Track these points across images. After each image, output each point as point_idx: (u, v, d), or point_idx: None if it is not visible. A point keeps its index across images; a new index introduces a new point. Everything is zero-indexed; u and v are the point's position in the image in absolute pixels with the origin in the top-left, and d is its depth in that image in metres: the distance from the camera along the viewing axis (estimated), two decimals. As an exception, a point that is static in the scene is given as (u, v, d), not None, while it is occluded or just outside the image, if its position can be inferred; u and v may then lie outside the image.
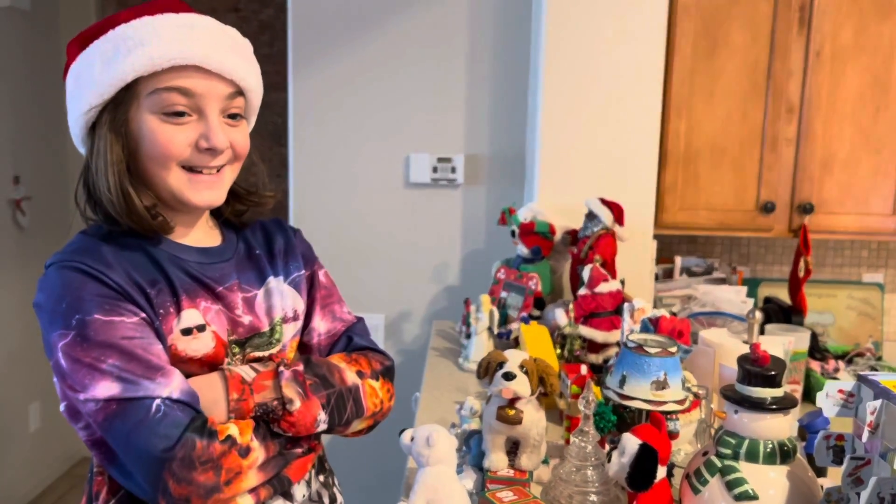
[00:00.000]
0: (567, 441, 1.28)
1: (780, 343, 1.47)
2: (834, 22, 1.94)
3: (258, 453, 0.90)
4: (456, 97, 2.29)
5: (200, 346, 0.93)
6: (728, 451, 0.95)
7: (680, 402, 1.10)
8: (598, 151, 2.01)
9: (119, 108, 0.91)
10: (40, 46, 3.18)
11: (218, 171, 0.96)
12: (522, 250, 1.95)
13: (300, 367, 0.96)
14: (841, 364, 1.91)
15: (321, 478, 1.06)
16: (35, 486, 3.22)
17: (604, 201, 1.82)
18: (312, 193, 2.35)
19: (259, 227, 1.11)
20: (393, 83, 2.29)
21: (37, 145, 3.18)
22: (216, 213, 1.08)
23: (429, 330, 2.34)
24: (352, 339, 1.09)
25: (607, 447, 1.11)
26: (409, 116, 2.30)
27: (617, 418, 1.24)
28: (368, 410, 1.01)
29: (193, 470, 0.83)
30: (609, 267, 1.75)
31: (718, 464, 0.95)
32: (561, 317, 1.65)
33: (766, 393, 0.94)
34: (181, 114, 0.91)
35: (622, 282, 1.76)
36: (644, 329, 1.33)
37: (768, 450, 0.94)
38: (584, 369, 1.31)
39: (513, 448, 1.15)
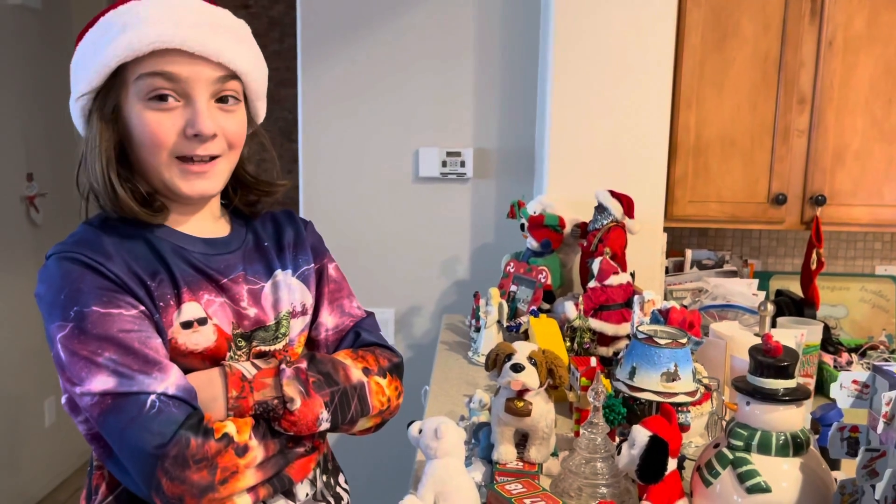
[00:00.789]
0: (577, 433, 1.27)
1: (792, 336, 1.46)
2: (846, 11, 1.92)
3: (256, 452, 0.88)
4: (465, 91, 2.29)
5: (201, 339, 0.91)
6: (740, 443, 0.94)
7: (690, 394, 1.09)
8: (608, 144, 2.00)
9: (108, 95, 0.90)
10: (52, 44, 3.19)
11: (211, 160, 0.93)
12: (532, 243, 1.95)
13: (303, 365, 0.94)
14: (854, 357, 1.90)
15: (325, 477, 1.04)
16: (50, 480, 3.25)
17: (613, 193, 1.81)
18: (322, 188, 2.36)
19: (269, 218, 1.09)
20: (402, 77, 2.29)
21: (50, 142, 3.20)
22: (226, 203, 1.06)
23: (439, 324, 2.34)
24: (360, 335, 1.07)
25: (617, 440, 1.11)
26: (418, 111, 2.30)
27: (627, 411, 1.23)
28: (374, 409, 0.99)
29: (187, 468, 0.81)
30: (619, 259, 1.74)
31: (730, 456, 0.94)
32: (571, 309, 1.65)
33: (779, 384, 0.93)
34: (165, 98, 0.88)
35: (632, 274, 1.75)
36: (654, 321, 1.33)
37: (781, 442, 0.93)
38: (593, 361, 1.30)
39: (521, 440, 1.14)
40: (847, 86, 1.94)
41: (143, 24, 0.87)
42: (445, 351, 1.87)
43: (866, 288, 2.32)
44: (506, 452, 1.12)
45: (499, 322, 1.76)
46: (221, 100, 0.93)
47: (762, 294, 1.95)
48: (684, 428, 1.16)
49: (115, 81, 0.89)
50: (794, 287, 2.19)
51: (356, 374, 0.98)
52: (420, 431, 1.04)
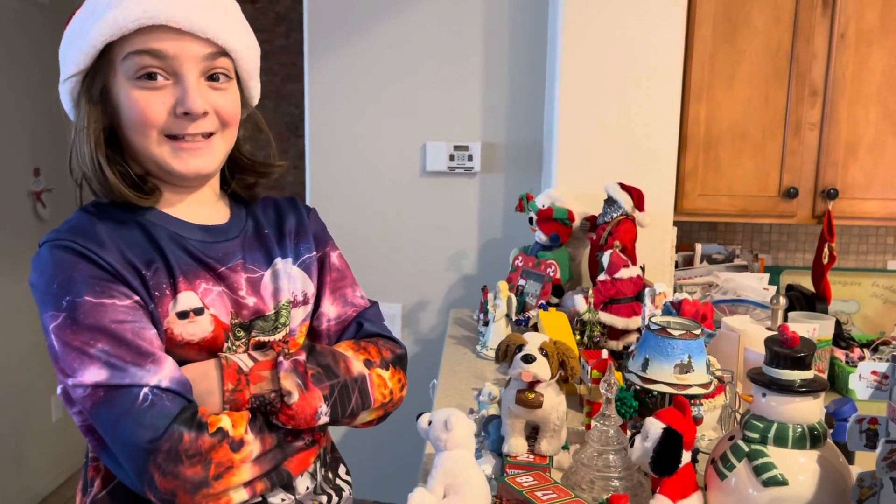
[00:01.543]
0: (588, 426, 1.26)
1: (805, 330, 1.44)
2: (858, 3, 1.89)
3: (253, 447, 0.85)
4: (472, 85, 2.27)
5: (198, 329, 0.89)
6: (756, 436, 0.92)
7: (704, 386, 1.08)
8: (617, 137, 1.98)
9: (96, 76, 0.88)
10: (59, 40, 3.18)
11: (205, 138, 0.90)
12: (540, 237, 1.93)
13: (302, 357, 0.91)
14: (866, 353, 1.87)
15: (324, 470, 1.02)
16: (57, 476, 3.25)
17: (623, 186, 1.79)
18: (329, 183, 2.35)
19: (272, 204, 1.07)
20: (409, 72, 2.27)
21: (56, 138, 3.19)
22: (224, 188, 1.04)
23: (446, 319, 2.33)
24: (362, 326, 1.04)
25: (629, 433, 1.09)
26: (426, 105, 2.29)
27: (638, 403, 1.22)
28: (376, 401, 0.96)
29: (180, 463, 0.79)
30: (629, 253, 1.73)
31: (746, 448, 0.92)
32: (580, 303, 1.63)
33: (795, 375, 0.91)
34: (153, 76, 0.86)
35: (642, 268, 1.73)
36: (667, 313, 1.31)
37: (797, 434, 0.91)
38: (605, 353, 1.29)
39: (532, 433, 1.13)
40: (859, 78, 1.92)
41: (129, 1, 0.85)
42: (453, 345, 1.86)
43: (878, 283, 2.30)
44: (516, 445, 1.10)
45: (507, 316, 1.75)
46: (212, 78, 0.90)
47: (773, 289, 1.93)
48: (697, 421, 1.14)
49: (103, 62, 0.87)
50: (805, 282, 2.16)
51: (357, 366, 0.96)
52: (430, 423, 1.02)
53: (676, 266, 2.14)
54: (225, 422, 0.84)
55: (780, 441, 0.91)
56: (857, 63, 1.91)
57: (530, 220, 1.96)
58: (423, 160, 2.31)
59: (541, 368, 1.05)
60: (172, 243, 0.91)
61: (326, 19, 2.27)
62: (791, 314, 1.72)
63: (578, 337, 1.60)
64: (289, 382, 0.88)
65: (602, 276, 1.64)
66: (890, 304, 2.29)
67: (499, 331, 1.73)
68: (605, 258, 1.64)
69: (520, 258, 1.95)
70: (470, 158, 2.29)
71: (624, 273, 1.60)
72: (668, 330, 1.08)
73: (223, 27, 0.90)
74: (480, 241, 2.36)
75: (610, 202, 1.81)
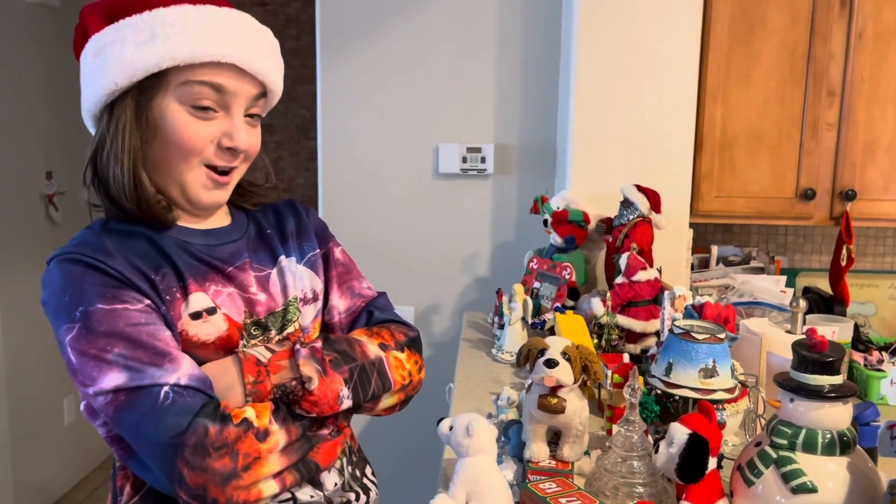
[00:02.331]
0: (609, 431, 1.24)
1: (824, 333, 1.42)
2: (876, 2, 1.88)
3: (278, 436, 0.86)
4: (485, 86, 2.26)
5: (212, 329, 0.90)
6: (784, 442, 0.91)
7: (729, 391, 1.06)
8: (632, 138, 1.97)
9: (145, 93, 0.88)
10: (70, 42, 3.19)
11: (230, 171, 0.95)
12: (556, 239, 1.92)
13: (318, 345, 0.93)
14: (885, 356, 1.86)
15: (351, 468, 1.03)
16: (70, 478, 3.25)
17: (639, 188, 1.78)
18: (341, 185, 2.34)
19: (270, 208, 1.09)
20: (421, 73, 2.26)
21: (68, 141, 3.21)
22: None
23: (459, 322, 2.32)
24: (372, 314, 1.06)
25: (650, 438, 1.08)
26: (438, 107, 2.28)
27: (660, 408, 1.21)
28: (396, 383, 0.98)
29: (207, 457, 0.80)
30: (646, 255, 1.71)
31: (773, 455, 0.91)
32: (597, 306, 1.62)
33: (824, 380, 0.90)
34: (208, 108, 0.89)
35: (659, 270, 1.72)
36: (688, 316, 1.30)
37: (826, 440, 0.90)
38: (626, 357, 1.27)
39: (554, 438, 1.12)
40: (877, 78, 1.90)
41: (205, 33, 0.87)
42: (468, 348, 1.85)
43: (896, 285, 2.27)
44: (538, 450, 1.09)
45: (523, 319, 1.74)
46: (250, 115, 0.94)
47: (790, 291, 1.91)
48: (721, 426, 1.13)
49: (154, 81, 0.88)
50: (822, 284, 2.15)
51: (373, 349, 0.97)
52: (451, 428, 1.01)
53: (692, 268, 2.13)
54: (249, 412, 0.85)
55: (809, 447, 0.90)
56: (875, 63, 1.90)
57: (545, 222, 1.94)
58: (435, 162, 2.31)
59: (564, 373, 1.04)
60: (179, 249, 0.92)
61: (339, 21, 2.26)
62: (809, 317, 1.70)
63: (596, 340, 1.59)
64: (308, 369, 0.89)
65: (619, 279, 1.63)
66: (908, 307, 2.26)
67: (514, 334, 1.72)
68: (623, 261, 1.63)
69: (534, 260, 1.94)
70: (483, 160, 2.28)
71: (641, 275, 1.59)
72: (692, 334, 1.07)
73: (276, 72, 0.96)
74: (493, 244, 2.35)
75: (626, 204, 1.79)
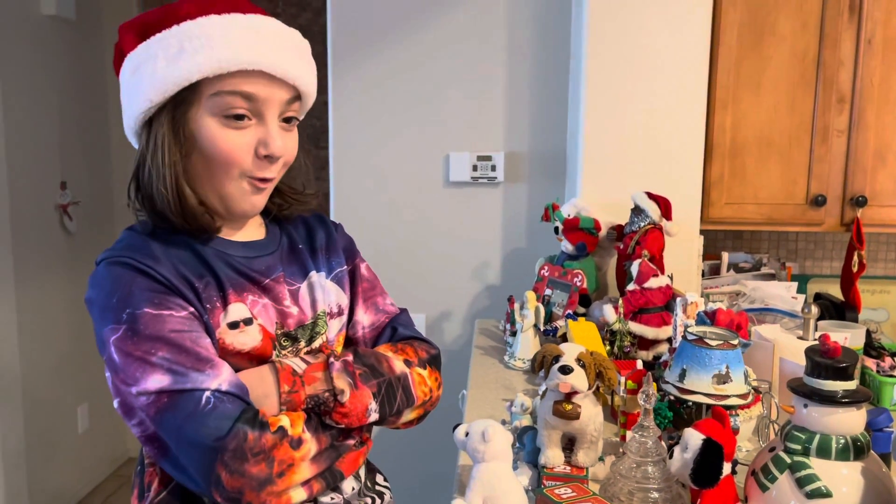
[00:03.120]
0: (623, 437, 1.25)
1: (836, 340, 1.43)
2: (886, 9, 1.88)
3: (310, 445, 0.89)
4: (495, 95, 2.28)
5: (248, 339, 0.93)
6: (798, 447, 0.92)
7: (742, 397, 1.07)
8: (642, 146, 1.98)
9: (179, 107, 0.89)
10: (85, 54, 3.24)
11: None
12: (567, 246, 1.93)
13: (350, 358, 0.95)
14: (898, 361, 1.85)
15: (365, 474, 1.06)
16: (83, 486, 3.27)
17: (650, 195, 1.79)
18: (353, 194, 2.36)
19: (301, 221, 1.10)
20: (432, 82, 2.28)
21: (83, 151, 3.24)
22: None
23: (471, 329, 2.33)
24: (396, 330, 1.09)
25: (664, 444, 1.09)
26: (449, 115, 2.30)
27: (673, 414, 1.21)
28: (419, 399, 1.00)
29: (246, 462, 0.82)
30: (657, 262, 1.72)
31: (788, 460, 0.92)
32: (610, 313, 1.63)
33: (838, 386, 0.91)
34: (241, 117, 0.90)
35: (670, 277, 1.72)
36: (700, 322, 1.30)
37: (840, 445, 0.90)
38: (639, 364, 1.28)
39: (568, 444, 1.13)
40: (887, 84, 1.91)
41: (230, 42, 0.87)
42: (481, 356, 1.86)
43: (908, 291, 2.27)
44: (553, 456, 1.10)
45: (535, 326, 1.75)
46: (285, 119, 0.95)
47: (801, 297, 1.92)
48: (734, 432, 1.13)
49: (187, 93, 0.89)
50: (833, 290, 2.14)
51: (399, 365, 1.00)
52: (467, 434, 1.02)
53: (703, 275, 2.13)
54: (284, 421, 0.87)
55: (823, 452, 0.91)
56: (885, 69, 1.90)
57: (556, 229, 1.96)
58: (446, 170, 2.32)
59: (578, 379, 1.05)
60: (219, 260, 0.95)
61: (350, 32, 2.28)
62: (821, 323, 1.70)
63: (608, 347, 1.60)
64: (341, 381, 0.92)
65: (631, 286, 1.64)
66: (920, 312, 2.26)
67: (527, 341, 1.73)
68: (634, 268, 1.64)
69: (546, 268, 1.95)
70: (493, 168, 2.30)
71: (653, 282, 1.60)
72: (706, 340, 1.08)
73: (308, 74, 0.95)
74: (504, 251, 2.36)
75: (637, 211, 1.80)
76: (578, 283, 1.83)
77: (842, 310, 1.99)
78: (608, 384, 1.07)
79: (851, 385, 0.91)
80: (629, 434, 1.06)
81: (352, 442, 0.97)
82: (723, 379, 1.06)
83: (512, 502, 0.98)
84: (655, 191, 1.84)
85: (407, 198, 2.35)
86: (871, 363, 1.80)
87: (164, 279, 0.88)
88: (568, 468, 1.10)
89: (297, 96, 0.95)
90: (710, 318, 1.26)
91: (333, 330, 1.04)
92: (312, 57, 0.99)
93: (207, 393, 0.84)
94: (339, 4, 2.27)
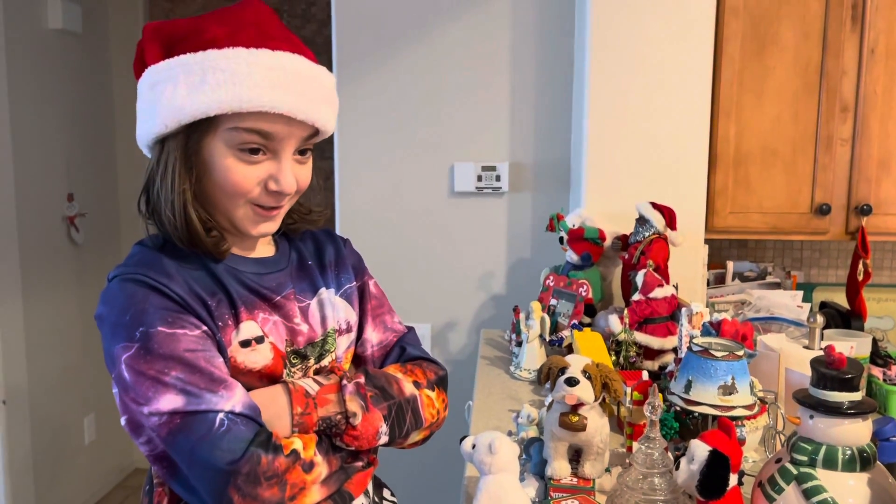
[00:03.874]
0: (629, 448, 1.25)
1: (843, 348, 1.43)
2: (888, 18, 1.89)
3: (321, 468, 0.89)
4: (499, 105, 2.29)
5: (259, 357, 0.92)
6: (804, 458, 0.92)
7: (748, 408, 1.07)
8: (646, 155, 1.99)
9: (194, 135, 0.89)
10: (92, 68, 3.27)
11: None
12: (572, 257, 1.93)
13: (361, 380, 0.95)
14: (904, 370, 1.85)
15: (372, 490, 1.05)
16: (90, 497, 3.28)
17: (655, 205, 1.80)
18: (358, 205, 2.37)
19: (309, 236, 1.10)
20: (436, 93, 2.30)
21: (89, 163, 3.26)
22: None
23: (476, 339, 2.33)
24: (405, 350, 1.08)
25: (670, 455, 1.09)
26: (453, 126, 2.31)
27: (679, 425, 1.21)
28: (426, 421, 1.00)
29: (258, 486, 0.82)
30: (662, 272, 1.72)
31: (794, 471, 0.92)
32: (615, 323, 1.63)
33: (843, 397, 0.91)
34: (256, 151, 0.89)
35: (675, 287, 1.73)
36: (706, 333, 1.31)
37: (847, 456, 0.90)
38: (645, 375, 1.29)
39: (575, 456, 1.13)
40: (891, 93, 1.91)
41: (254, 82, 0.86)
42: (486, 366, 1.86)
43: (914, 299, 2.27)
44: (560, 468, 1.10)
45: (541, 336, 1.75)
46: (301, 152, 0.94)
47: (807, 306, 1.92)
48: (740, 442, 1.13)
49: (204, 124, 0.88)
50: (838, 298, 2.14)
51: (409, 387, 0.99)
52: (473, 446, 1.03)
53: (708, 284, 2.13)
54: (297, 444, 0.87)
55: (830, 464, 0.91)
56: (888, 78, 1.91)
57: (561, 239, 1.96)
58: (451, 181, 2.33)
59: (584, 391, 1.05)
60: (230, 276, 0.94)
61: (354, 43, 2.30)
62: (827, 332, 1.70)
63: (614, 357, 1.60)
64: (353, 404, 0.92)
65: (636, 296, 1.64)
66: (926, 320, 2.26)
67: (532, 351, 1.74)
68: (639, 278, 1.64)
69: (551, 278, 1.96)
70: (498, 178, 2.30)
71: (658, 293, 1.60)
72: (711, 351, 1.08)
73: (328, 115, 0.94)
74: (509, 261, 2.36)
75: (642, 221, 1.81)
76: (584, 294, 1.84)
77: (847, 318, 1.98)
78: (614, 395, 1.07)
79: (857, 396, 0.91)
80: (635, 445, 1.06)
81: (360, 464, 0.97)
82: (728, 390, 1.06)
83: (519, 514, 0.98)
84: (660, 201, 1.85)
85: (412, 208, 2.36)
86: (877, 372, 1.80)
87: (178, 297, 0.87)
88: (574, 480, 1.10)
89: (316, 132, 0.95)
90: (715, 328, 1.27)
91: (342, 347, 1.04)
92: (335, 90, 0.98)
93: (221, 415, 0.83)
94: (344, 16, 2.29)
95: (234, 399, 0.85)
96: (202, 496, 0.84)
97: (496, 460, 1.00)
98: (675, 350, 1.60)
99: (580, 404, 1.06)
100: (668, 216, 1.79)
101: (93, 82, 3.27)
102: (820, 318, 1.46)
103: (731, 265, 2.17)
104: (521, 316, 1.81)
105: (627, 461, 1.07)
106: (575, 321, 1.79)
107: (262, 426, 0.86)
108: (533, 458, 1.17)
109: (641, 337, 1.60)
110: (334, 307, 1.04)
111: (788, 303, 1.94)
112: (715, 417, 1.09)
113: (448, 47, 2.27)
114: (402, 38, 2.28)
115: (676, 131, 1.97)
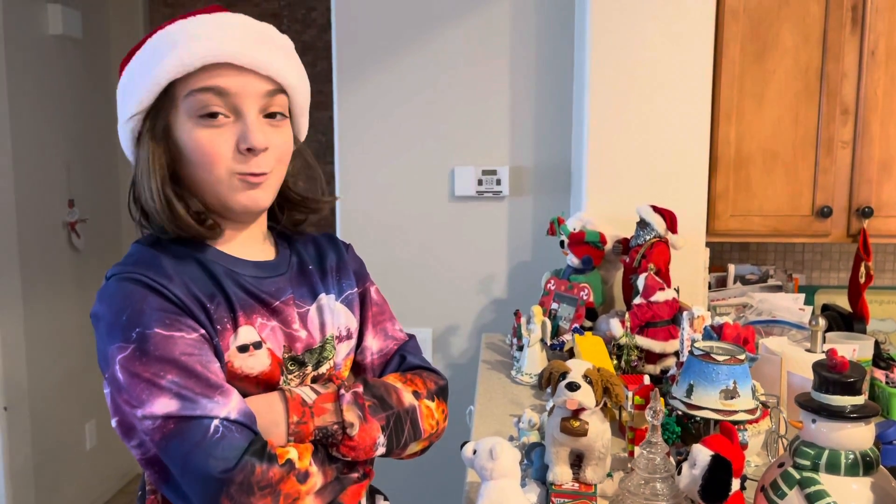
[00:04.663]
0: (630, 453, 1.25)
1: (845, 351, 1.42)
2: (889, 20, 1.89)
3: (316, 479, 0.87)
4: (500, 109, 2.29)
5: (256, 363, 0.90)
6: (807, 463, 0.91)
7: (750, 412, 1.07)
8: (647, 159, 1.99)
9: (159, 114, 0.89)
10: (92, 73, 3.28)
11: (263, 174, 0.92)
12: (573, 260, 1.93)
13: (360, 389, 0.93)
14: (907, 372, 1.84)
15: (366, 499, 1.03)
16: (91, 502, 3.27)
17: (656, 209, 1.79)
18: (358, 209, 2.37)
19: (311, 241, 1.09)
20: (436, 97, 2.30)
21: (90, 169, 3.27)
22: (272, 224, 1.05)
23: (477, 343, 2.33)
24: (405, 358, 1.06)
25: (672, 459, 1.08)
26: (454, 130, 2.31)
27: (681, 430, 1.21)
28: (425, 432, 0.98)
29: (252, 495, 0.80)
30: (663, 275, 1.72)
31: (797, 476, 0.91)
32: (616, 327, 1.62)
33: (846, 401, 0.90)
34: (215, 115, 0.88)
35: (676, 290, 1.72)
36: (707, 337, 1.30)
37: (850, 461, 0.90)
38: (646, 379, 1.28)
39: (576, 460, 1.12)
40: (891, 95, 1.91)
41: (193, 40, 0.87)
42: (487, 370, 1.85)
43: (916, 301, 2.26)
44: (561, 473, 1.10)
45: (542, 340, 1.75)
46: (269, 115, 0.92)
47: (809, 309, 1.91)
48: (742, 447, 1.13)
49: (165, 100, 0.89)
50: (840, 301, 2.14)
51: (408, 397, 0.97)
52: (474, 452, 1.02)
53: (709, 287, 2.13)
54: (292, 454, 0.85)
55: (833, 468, 0.90)
56: (889, 80, 1.91)
57: (562, 243, 1.96)
58: (451, 185, 2.33)
59: (585, 396, 1.05)
60: (228, 279, 0.93)
61: (355, 48, 2.30)
62: (829, 335, 1.69)
63: (615, 361, 1.59)
64: (351, 414, 0.90)
65: (637, 300, 1.63)
66: (929, 323, 2.25)
67: (534, 356, 1.73)
68: (640, 281, 1.64)
69: (552, 282, 1.95)
70: (498, 182, 2.30)
71: (660, 296, 1.60)
72: (712, 355, 1.07)
73: (282, 64, 0.92)
74: (510, 265, 2.36)
75: (642, 225, 1.80)
76: (585, 297, 1.83)
77: (850, 321, 1.98)
78: (615, 400, 1.07)
79: (860, 400, 0.91)
80: (637, 450, 1.05)
81: (356, 475, 0.95)
82: (730, 394, 1.06)
83: (520, 520, 0.98)
84: (661, 204, 1.84)
85: (412, 212, 2.35)
86: (879, 374, 1.79)
87: (177, 299, 0.86)
88: (576, 485, 1.09)
89: (280, 90, 0.93)
90: (716, 332, 1.26)
91: (341, 354, 1.02)
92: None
93: (216, 421, 0.81)
94: (344, 21, 2.29)
95: (229, 405, 0.83)
96: (194, 503, 0.83)
97: (497, 466, 0.99)
98: (676, 354, 1.60)
99: (581, 409, 1.06)
100: (669, 219, 1.78)
101: (93, 88, 3.28)
102: (822, 321, 1.46)
103: (732, 268, 2.17)
104: (523, 320, 1.81)
105: (629, 466, 1.06)
106: (576, 325, 1.79)
107: (257, 434, 0.84)
108: (534, 463, 1.16)
109: (643, 341, 1.59)
110: (334, 313, 1.02)
111: (790, 306, 1.93)
112: (717, 422, 1.08)
113: (448, 52, 2.27)
114: (402, 42, 2.29)
115: (677, 134, 1.96)
